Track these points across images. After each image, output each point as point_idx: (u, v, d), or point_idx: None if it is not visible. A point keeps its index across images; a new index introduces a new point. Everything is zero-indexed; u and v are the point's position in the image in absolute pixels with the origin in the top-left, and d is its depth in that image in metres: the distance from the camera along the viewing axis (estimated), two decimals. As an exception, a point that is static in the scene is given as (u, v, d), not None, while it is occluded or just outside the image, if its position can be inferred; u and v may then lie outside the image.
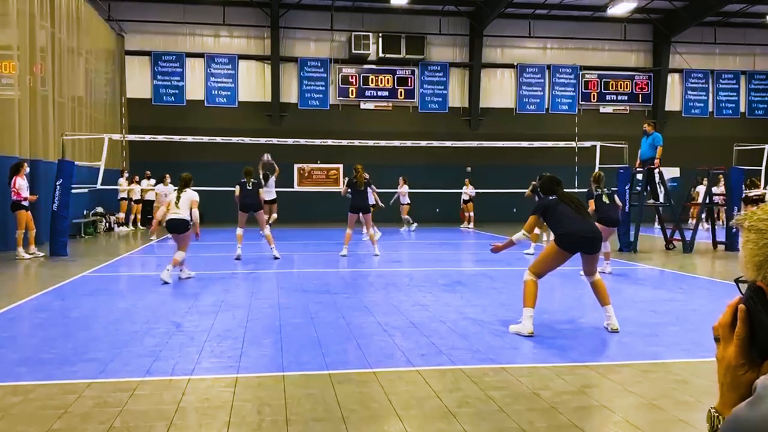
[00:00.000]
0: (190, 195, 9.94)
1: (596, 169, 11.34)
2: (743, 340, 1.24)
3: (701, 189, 18.80)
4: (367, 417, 4.06)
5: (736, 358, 1.24)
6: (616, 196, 11.08)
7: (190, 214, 9.85)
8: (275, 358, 5.38)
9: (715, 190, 17.19)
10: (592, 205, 10.22)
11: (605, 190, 10.57)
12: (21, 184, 12.95)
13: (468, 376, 4.89)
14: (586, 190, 14.34)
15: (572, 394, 4.48)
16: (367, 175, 13.57)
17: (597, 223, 8.15)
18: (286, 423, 3.91)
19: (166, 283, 9.49)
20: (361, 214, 13.34)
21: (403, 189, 20.99)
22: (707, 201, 16.32)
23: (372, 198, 15.70)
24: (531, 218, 6.91)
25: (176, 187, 10.29)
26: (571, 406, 4.23)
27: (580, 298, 8.51)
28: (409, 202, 20.99)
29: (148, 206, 22.41)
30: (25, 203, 12.95)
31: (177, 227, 9.80)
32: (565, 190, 7.04)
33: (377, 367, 5.09)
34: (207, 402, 4.29)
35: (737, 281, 1.28)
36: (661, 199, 15.69)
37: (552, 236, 6.87)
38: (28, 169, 13.45)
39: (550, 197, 6.93)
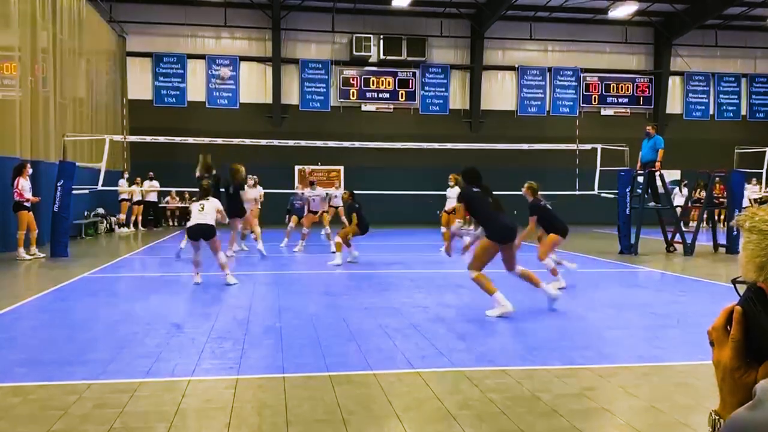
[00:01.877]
0: (214, 204, 9.97)
1: (530, 183, 9.96)
2: (738, 343, 1.23)
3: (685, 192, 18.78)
4: (368, 419, 4.06)
5: (732, 361, 1.24)
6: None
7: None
8: (275, 359, 5.38)
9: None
10: (533, 223, 9.41)
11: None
12: (24, 185, 12.98)
13: (468, 378, 4.88)
14: (585, 192, 14.36)
15: (573, 397, 4.47)
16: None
17: (556, 234, 9.30)
18: (286, 424, 3.91)
19: (232, 284, 9.53)
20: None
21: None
22: (708, 203, 16.30)
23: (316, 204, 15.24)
24: (458, 206, 7.70)
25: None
26: (572, 409, 4.23)
27: (580, 300, 8.51)
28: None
29: (149, 207, 22.44)
30: (27, 204, 12.97)
31: (206, 233, 9.69)
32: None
33: (377, 369, 5.08)
34: (207, 403, 4.29)
35: (734, 282, 1.27)
36: (679, 200, 15.53)
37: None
38: (30, 170, 13.48)
39: (474, 189, 7.55)
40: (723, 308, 1.29)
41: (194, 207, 10.03)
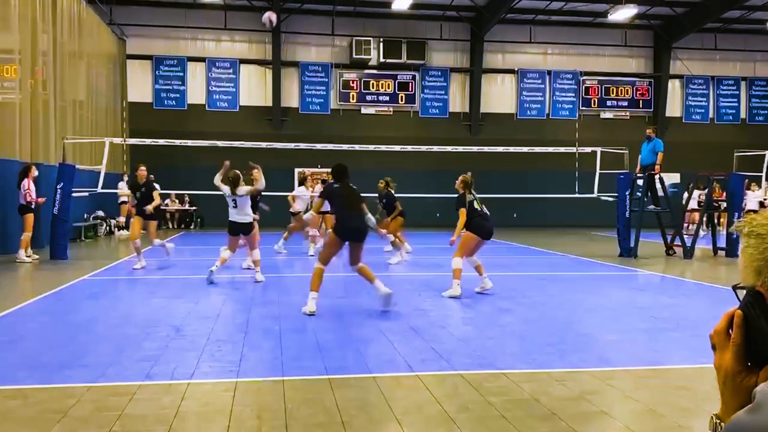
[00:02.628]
0: (245, 190, 10.10)
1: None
2: (739, 347, 1.23)
3: (695, 194, 18.76)
4: (367, 422, 4.06)
5: (733, 365, 1.24)
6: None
7: (254, 209, 10.26)
8: (275, 362, 5.37)
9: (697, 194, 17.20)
10: (463, 216, 8.97)
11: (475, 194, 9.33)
12: (30, 186, 13.11)
13: (468, 381, 4.88)
14: (585, 195, 14.38)
15: (572, 400, 4.47)
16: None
17: (471, 232, 8.95)
18: (285, 428, 3.90)
19: (259, 281, 9.98)
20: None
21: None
22: (707, 206, 16.30)
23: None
24: (317, 201, 8.27)
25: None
26: (571, 412, 4.22)
27: (580, 303, 8.50)
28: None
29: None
30: (32, 206, 13.05)
31: (242, 230, 10.00)
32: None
33: (377, 372, 5.08)
34: (206, 406, 4.29)
35: (735, 288, 1.27)
36: (702, 203, 15.48)
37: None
38: (36, 172, 13.57)
39: (335, 185, 7.98)
40: (724, 312, 1.29)
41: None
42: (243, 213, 9.99)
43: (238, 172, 10.44)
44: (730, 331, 1.27)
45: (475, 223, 8.96)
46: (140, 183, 12.16)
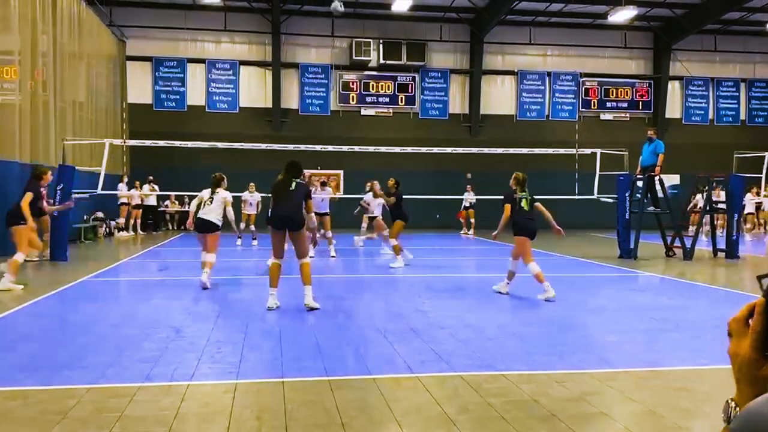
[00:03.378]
0: (224, 195, 10.08)
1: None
2: (758, 334, 1.23)
3: (699, 197, 18.80)
4: (367, 423, 4.06)
5: (751, 352, 1.23)
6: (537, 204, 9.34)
7: (224, 215, 10.02)
8: (275, 363, 5.37)
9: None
10: (507, 210, 9.06)
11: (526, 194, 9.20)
12: (45, 188, 13.20)
13: (468, 382, 4.88)
14: (585, 197, 14.39)
15: (572, 401, 4.47)
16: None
17: (518, 235, 9.02)
18: (285, 429, 3.90)
19: (206, 288, 9.41)
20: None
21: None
22: (707, 208, 16.29)
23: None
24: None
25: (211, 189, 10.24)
26: (571, 413, 4.22)
27: (580, 304, 8.50)
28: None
29: (148, 211, 22.42)
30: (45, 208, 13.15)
31: (206, 227, 9.88)
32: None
33: (377, 374, 5.08)
34: (206, 408, 4.29)
35: (759, 277, 1.27)
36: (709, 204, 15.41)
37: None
38: (51, 178, 13.62)
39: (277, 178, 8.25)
40: (746, 304, 1.29)
41: (204, 196, 10.13)
42: (213, 214, 9.93)
43: (222, 174, 10.49)
44: (750, 320, 1.27)
45: (518, 223, 9.04)
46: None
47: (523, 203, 9.07)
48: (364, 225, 16.64)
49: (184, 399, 4.43)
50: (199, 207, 10.15)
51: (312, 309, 7.78)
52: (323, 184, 15.80)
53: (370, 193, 14.95)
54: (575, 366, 5.39)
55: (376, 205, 14.95)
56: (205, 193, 10.13)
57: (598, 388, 4.79)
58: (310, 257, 13.47)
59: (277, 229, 8.03)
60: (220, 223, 9.99)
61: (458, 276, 11.84)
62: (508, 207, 9.05)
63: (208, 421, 4.05)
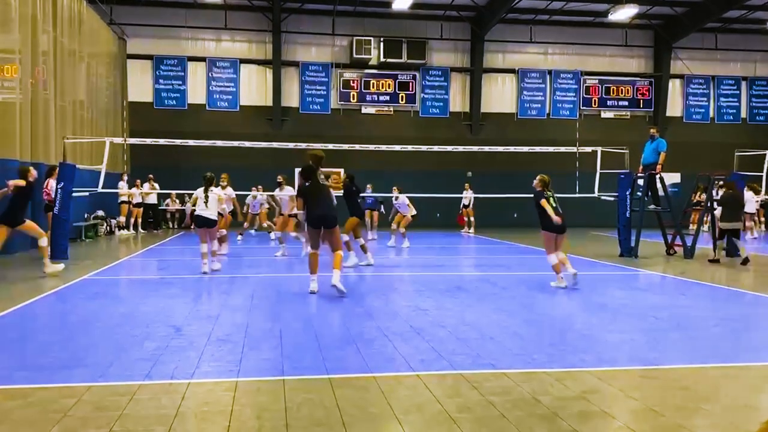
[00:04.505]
0: (218, 192, 11.36)
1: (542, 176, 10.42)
2: None
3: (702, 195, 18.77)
4: (367, 422, 4.05)
5: None
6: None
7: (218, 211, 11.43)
8: (275, 362, 5.37)
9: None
10: (546, 204, 9.87)
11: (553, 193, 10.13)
12: (53, 186, 13.35)
13: (468, 381, 4.88)
14: (585, 195, 14.42)
15: (572, 400, 4.47)
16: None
17: (545, 230, 9.96)
18: (286, 428, 3.90)
19: (205, 273, 10.90)
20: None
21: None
22: (708, 206, 16.26)
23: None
24: (298, 200, 9.28)
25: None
26: (572, 412, 4.22)
27: (581, 303, 8.50)
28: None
29: (149, 210, 22.43)
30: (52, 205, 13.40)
31: (206, 223, 11.21)
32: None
33: (377, 372, 5.08)
34: (206, 406, 4.29)
35: None
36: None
37: None
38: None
39: (306, 183, 9.14)
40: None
41: (199, 196, 11.27)
42: (210, 210, 11.19)
43: (212, 174, 11.62)
44: None
45: (546, 220, 9.91)
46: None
47: (552, 201, 9.99)
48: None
49: (185, 398, 4.43)
50: (194, 205, 11.33)
51: (340, 291, 8.57)
52: (279, 184, 15.52)
53: (278, 189, 14.99)
54: (576, 364, 5.39)
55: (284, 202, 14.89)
56: (200, 192, 11.24)
57: (599, 387, 4.79)
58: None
59: (315, 228, 8.98)
60: (216, 218, 11.34)
61: (458, 275, 11.84)
62: (544, 202, 9.92)
63: (209, 419, 4.05)
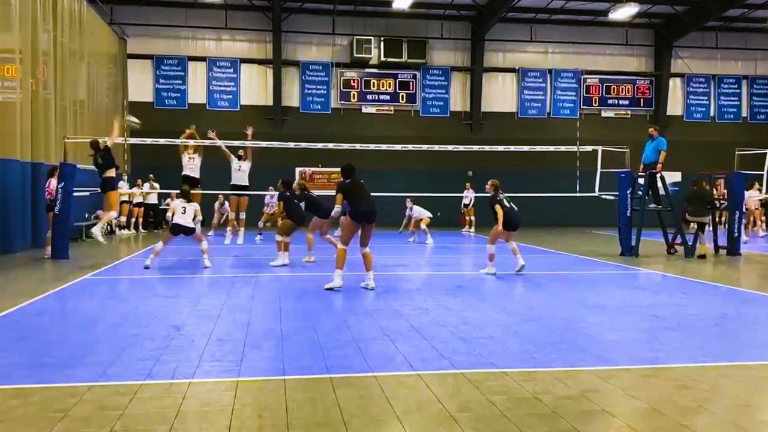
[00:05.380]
0: (195, 206, 12.14)
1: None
2: None
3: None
4: (368, 421, 4.06)
5: None
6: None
7: (194, 220, 12.09)
8: (276, 361, 5.37)
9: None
10: (500, 210, 11.15)
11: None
12: (54, 185, 13.42)
13: (469, 380, 4.88)
14: (586, 194, 14.43)
15: (573, 399, 4.47)
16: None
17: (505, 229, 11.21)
18: (287, 427, 3.91)
19: (207, 267, 11.66)
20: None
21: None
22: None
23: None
24: (338, 196, 9.67)
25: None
26: (573, 411, 4.22)
27: (581, 302, 8.50)
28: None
29: (149, 209, 22.41)
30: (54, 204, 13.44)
31: (186, 231, 11.89)
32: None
33: (378, 371, 5.08)
34: (207, 406, 4.29)
35: None
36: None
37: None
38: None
39: (347, 180, 9.71)
40: None
41: (177, 207, 12.03)
42: (189, 219, 11.92)
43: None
44: None
45: (510, 218, 11.21)
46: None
47: (505, 202, 11.30)
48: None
49: (186, 397, 4.44)
50: (173, 215, 12.20)
51: (371, 288, 9.28)
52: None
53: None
54: (576, 364, 5.39)
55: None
56: (177, 204, 12.07)
57: (599, 386, 4.79)
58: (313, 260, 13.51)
59: (359, 223, 9.39)
60: (194, 226, 12.05)
61: (459, 274, 11.84)
62: (498, 207, 11.19)
63: (210, 419, 4.05)
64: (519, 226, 11.42)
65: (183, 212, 11.91)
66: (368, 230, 9.50)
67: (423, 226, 18.60)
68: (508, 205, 11.28)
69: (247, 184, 15.12)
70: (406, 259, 14.39)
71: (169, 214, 13.35)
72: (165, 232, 12.65)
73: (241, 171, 14.90)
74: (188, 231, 11.94)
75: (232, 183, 14.98)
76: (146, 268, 11.45)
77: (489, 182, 11.60)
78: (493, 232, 11.35)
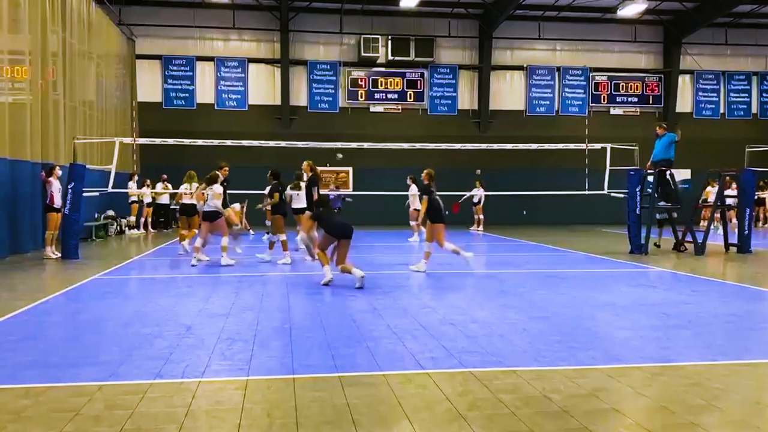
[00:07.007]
0: (216, 190, 12.26)
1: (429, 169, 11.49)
2: None
3: (711, 190, 18.70)
4: (377, 420, 4.06)
5: None
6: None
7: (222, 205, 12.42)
8: (285, 360, 5.38)
9: (727, 192, 17.04)
10: (426, 203, 11.02)
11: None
12: (54, 185, 13.51)
13: (478, 378, 4.87)
14: (595, 192, 14.37)
15: (583, 397, 4.46)
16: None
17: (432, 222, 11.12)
18: (296, 426, 3.91)
19: (230, 265, 11.95)
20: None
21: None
22: (719, 203, 16.17)
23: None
24: (423, 201, 10.74)
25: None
26: (582, 410, 4.21)
27: (590, 300, 8.47)
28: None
29: (161, 209, 22.48)
30: (56, 205, 13.48)
31: (210, 216, 12.19)
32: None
33: (387, 370, 5.08)
34: (217, 405, 4.30)
35: None
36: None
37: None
38: (60, 172, 14.04)
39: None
40: None
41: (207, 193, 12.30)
42: (210, 204, 12.24)
43: (216, 172, 12.75)
44: None
45: (437, 212, 11.12)
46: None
47: (436, 195, 11.13)
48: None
49: (195, 396, 4.45)
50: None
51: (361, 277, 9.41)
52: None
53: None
54: (585, 362, 5.38)
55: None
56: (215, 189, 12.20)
57: (609, 384, 4.78)
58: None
59: (344, 238, 9.69)
60: (215, 209, 12.21)
61: (467, 272, 11.82)
62: (426, 200, 11.01)
63: (219, 418, 4.06)
64: (445, 221, 11.38)
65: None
66: (345, 247, 9.60)
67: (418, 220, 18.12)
68: (436, 198, 11.16)
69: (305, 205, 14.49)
70: (413, 258, 14.38)
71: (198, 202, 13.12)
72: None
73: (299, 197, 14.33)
74: (212, 216, 12.20)
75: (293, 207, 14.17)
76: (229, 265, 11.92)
77: (425, 171, 11.40)
78: (427, 228, 11.24)
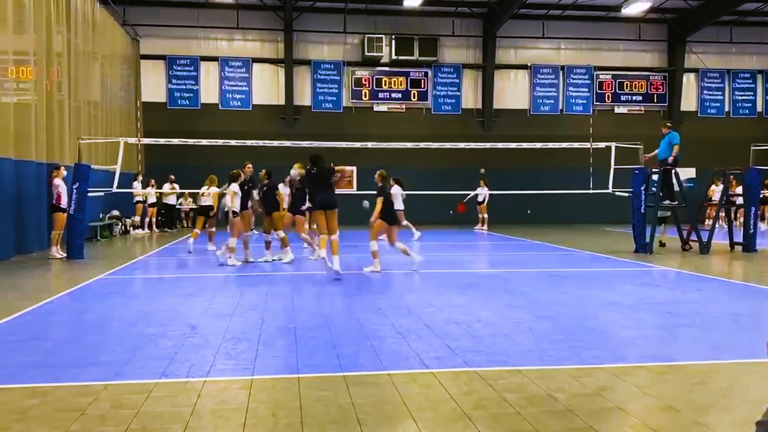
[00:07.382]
0: (232, 188, 12.38)
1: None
2: None
3: (716, 189, 18.66)
4: (382, 419, 4.06)
5: None
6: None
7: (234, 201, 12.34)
8: (290, 360, 5.39)
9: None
10: (380, 203, 11.10)
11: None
12: (59, 185, 13.51)
13: (482, 378, 4.87)
14: (599, 191, 14.34)
15: (588, 397, 4.45)
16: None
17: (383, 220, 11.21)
18: (301, 425, 3.92)
19: (234, 264, 11.98)
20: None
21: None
22: (724, 201, 16.12)
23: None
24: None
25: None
26: (587, 409, 4.21)
27: (595, 299, 8.46)
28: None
29: (164, 209, 22.53)
30: (62, 205, 13.54)
31: (203, 211, 13.14)
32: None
33: (391, 369, 5.09)
34: (222, 404, 4.31)
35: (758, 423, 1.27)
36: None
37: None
38: (65, 172, 14.08)
39: (312, 169, 10.71)
40: None
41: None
42: (208, 200, 13.24)
43: (238, 170, 12.90)
44: None
45: (389, 212, 11.37)
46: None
47: (390, 197, 11.51)
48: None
49: (200, 396, 4.46)
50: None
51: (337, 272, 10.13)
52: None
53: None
54: (590, 361, 5.37)
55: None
56: (234, 187, 12.32)
57: (614, 384, 4.77)
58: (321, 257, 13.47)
59: (329, 209, 10.79)
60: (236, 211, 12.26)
61: (471, 271, 11.82)
62: (381, 200, 11.12)
63: (225, 417, 4.07)
64: (397, 221, 11.65)
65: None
66: (331, 218, 10.55)
67: (404, 221, 17.51)
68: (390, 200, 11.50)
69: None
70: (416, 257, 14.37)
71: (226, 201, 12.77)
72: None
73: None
74: (206, 211, 13.17)
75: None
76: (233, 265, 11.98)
77: (377, 173, 11.65)
78: (372, 227, 11.26)
